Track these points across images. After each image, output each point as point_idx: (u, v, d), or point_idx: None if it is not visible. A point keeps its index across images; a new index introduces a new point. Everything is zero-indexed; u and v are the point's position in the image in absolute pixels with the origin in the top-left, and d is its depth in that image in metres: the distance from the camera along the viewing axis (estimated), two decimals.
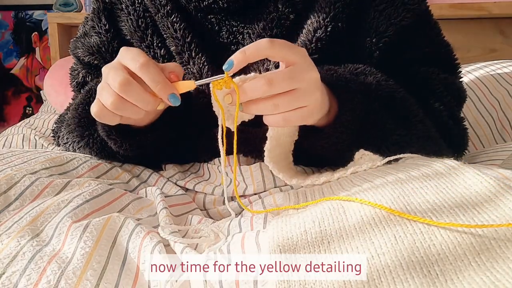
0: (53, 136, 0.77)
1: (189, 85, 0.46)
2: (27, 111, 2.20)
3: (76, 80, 0.76)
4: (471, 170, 0.39)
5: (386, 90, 0.57)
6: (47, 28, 2.00)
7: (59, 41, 1.84)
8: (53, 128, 0.76)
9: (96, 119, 0.50)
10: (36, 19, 2.12)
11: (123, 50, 0.48)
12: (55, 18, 1.82)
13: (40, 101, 2.05)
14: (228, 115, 0.48)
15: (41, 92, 1.88)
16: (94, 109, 0.49)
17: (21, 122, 1.36)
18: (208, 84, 0.48)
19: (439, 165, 0.42)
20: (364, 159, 0.52)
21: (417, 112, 0.59)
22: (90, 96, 0.63)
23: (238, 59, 0.43)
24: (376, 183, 0.41)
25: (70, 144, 0.67)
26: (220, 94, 0.46)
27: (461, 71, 0.71)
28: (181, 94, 0.46)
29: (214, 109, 0.48)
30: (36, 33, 2.13)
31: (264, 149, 0.52)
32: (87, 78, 0.74)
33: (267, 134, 0.51)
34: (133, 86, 0.45)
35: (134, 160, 0.68)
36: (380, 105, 0.56)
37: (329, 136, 0.53)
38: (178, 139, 0.65)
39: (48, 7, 2.03)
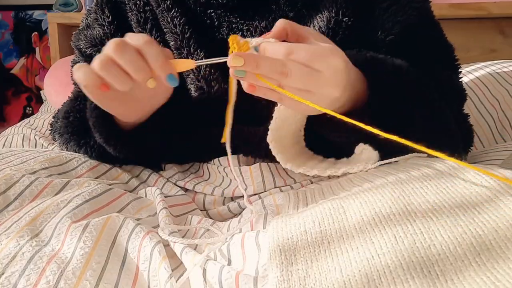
0: (50, 130, 0.76)
1: (187, 64, 0.45)
2: (27, 111, 2.20)
3: None
4: (471, 170, 0.39)
5: (414, 73, 0.57)
6: (47, 28, 2.00)
7: (59, 41, 1.84)
8: (51, 122, 0.76)
9: (80, 83, 0.47)
10: (36, 19, 2.12)
11: (129, 34, 0.47)
12: (55, 18, 1.82)
13: (40, 101, 2.05)
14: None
15: (41, 92, 1.88)
16: (78, 73, 0.45)
17: (21, 122, 1.36)
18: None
19: (439, 165, 0.42)
20: (364, 154, 0.52)
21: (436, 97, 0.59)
22: (80, 102, 0.63)
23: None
24: (377, 183, 0.41)
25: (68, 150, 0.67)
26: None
27: (461, 71, 0.71)
28: (180, 93, 0.45)
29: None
30: (36, 33, 2.13)
31: (269, 127, 0.51)
32: None
33: (273, 115, 0.51)
34: (128, 49, 0.44)
35: (134, 162, 0.68)
36: (411, 86, 0.55)
37: (364, 116, 0.52)
38: (178, 139, 0.64)
39: (48, 7, 2.03)
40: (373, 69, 0.52)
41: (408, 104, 0.55)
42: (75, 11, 1.82)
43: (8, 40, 2.16)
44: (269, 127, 0.51)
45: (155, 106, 0.57)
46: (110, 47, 0.45)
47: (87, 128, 0.61)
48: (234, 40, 0.43)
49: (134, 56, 0.44)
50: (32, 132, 1.19)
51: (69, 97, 0.76)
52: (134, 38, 0.46)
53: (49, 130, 0.76)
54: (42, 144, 1.12)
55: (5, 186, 0.49)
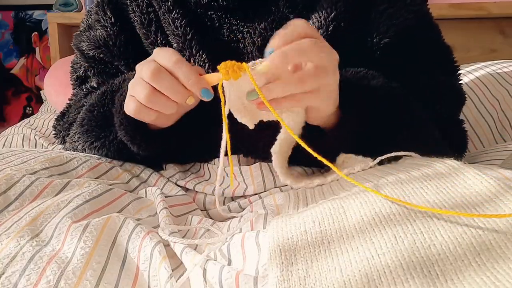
0: (54, 134, 0.76)
1: (217, 78, 0.46)
2: (27, 111, 2.20)
3: (77, 74, 0.75)
4: (471, 170, 0.39)
5: (390, 94, 0.57)
6: (47, 28, 2.00)
7: (59, 41, 1.84)
8: (54, 125, 0.76)
9: (134, 116, 0.51)
10: (36, 19, 2.12)
11: (157, 50, 0.49)
12: (55, 18, 1.82)
13: (40, 101, 2.05)
14: (245, 111, 0.47)
15: (41, 92, 1.88)
16: (130, 107, 0.50)
17: (21, 122, 1.36)
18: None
19: (439, 165, 0.42)
20: (348, 162, 0.52)
21: (420, 115, 0.59)
22: (106, 98, 0.63)
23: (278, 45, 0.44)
24: (377, 183, 0.41)
25: (80, 144, 0.67)
26: (240, 88, 0.45)
27: (460, 74, 0.71)
28: None
29: (228, 106, 0.47)
30: (36, 33, 2.13)
31: (272, 152, 0.51)
32: (89, 72, 0.73)
33: (278, 137, 0.50)
34: (164, 74, 0.46)
35: (152, 161, 0.68)
36: (384, 109, 0.56)
37: (332, 141, 0.53)
38: (180, 139, 0.64)
39: (48, 7, 2.03)
40: (345, 93, 0.52)
41: (386, 124, 0.55)
42: (75, 11, 1.82)
43: (8, 40, 2.16)
44: (272, 151, 0.51)
45: (186, 111, 0.58)
46: (146, 73, 0.47)
47: (109, 124, 0.61)
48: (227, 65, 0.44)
49: (171, 81, 0.47)
50: (32, 132, 1.19)
51: (79, 91, 0.75)
52: (163, 57, 0.47)
53: (56, 119, 0.76)
54: (42, 144, 1.12)
55: (6, 186, 0.49)
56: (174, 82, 0.46)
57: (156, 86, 0.47)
